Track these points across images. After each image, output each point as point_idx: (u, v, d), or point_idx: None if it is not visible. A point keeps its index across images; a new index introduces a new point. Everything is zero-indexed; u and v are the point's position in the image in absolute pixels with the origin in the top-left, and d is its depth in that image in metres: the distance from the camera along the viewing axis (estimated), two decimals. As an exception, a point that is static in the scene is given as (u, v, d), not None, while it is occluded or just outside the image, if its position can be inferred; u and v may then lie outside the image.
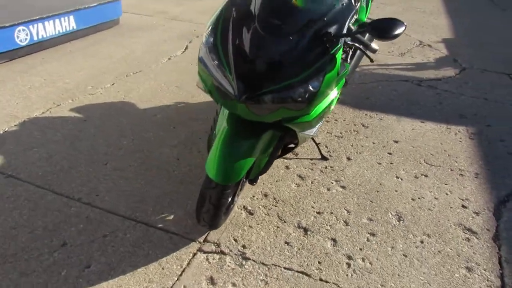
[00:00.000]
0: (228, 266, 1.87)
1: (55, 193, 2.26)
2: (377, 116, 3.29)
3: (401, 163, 2.70)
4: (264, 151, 1.81)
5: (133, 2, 6.31)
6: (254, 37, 1.56)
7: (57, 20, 4.17)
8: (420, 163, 2.72)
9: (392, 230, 2.13)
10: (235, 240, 2.01)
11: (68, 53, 4.20)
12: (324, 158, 2.67)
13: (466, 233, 2.14)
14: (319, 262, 1.91)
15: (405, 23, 1.59)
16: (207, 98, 3.31)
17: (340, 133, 2.99)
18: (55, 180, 2.36)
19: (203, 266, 1.86)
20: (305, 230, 2.10)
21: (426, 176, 2.59)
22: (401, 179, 2.54)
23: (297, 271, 1.86)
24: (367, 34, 2.53)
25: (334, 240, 2.05)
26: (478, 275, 1.90)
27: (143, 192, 2.29)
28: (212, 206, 1.76)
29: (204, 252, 1.94)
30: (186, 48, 4.56)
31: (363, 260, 1.94)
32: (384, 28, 1.55)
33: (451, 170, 2.66)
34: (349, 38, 1.71)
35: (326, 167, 2.61)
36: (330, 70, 1.59)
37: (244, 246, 1.98)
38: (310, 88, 1.55)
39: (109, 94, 3.37)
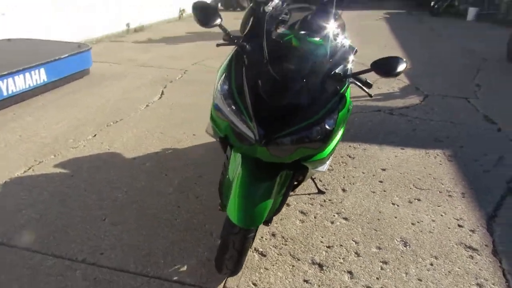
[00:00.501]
0: (253, 311, 1.85)
1: (55, 257, 2.14)
2: (361, 146, 3.42)
3: (393, 190, 2.81)
4: (279, 191, 1.84)
5: (99, 51, 6.28)
6: (270, 82, 1.63)
7: (27, 74, 4.07)
8: (410, 188, 2.84)
9: (402, 256, 2.19)
10: (255, 285, 1.99)
11: (41, 106, 4.09)
12: (320, 192, 2.73)
13: (468, 251, 2.24)
14: (341, 297, 1.93)
15: (405, 61, 1.72)
16: (195, 142, 3.34)
17: (330, 166, 3.08)
18: (52, 242, 2.24)
19: (228, 315, 1.82)
20: (320, 266, 2.11)
21: (419, 200, 2.70)
22: (397, 205, 2.64)
23: (322, 309, 1.86)
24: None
25: (350, 272, 2.07)
26: (467, 229, 1.99)
27: (150, 244, 2.23)
28: (236, 252, 1.75)
29: (225, 300, 1.90)
30: (162, 93, 4.58)
31: (382, 289, 1.98)
32: (389, 67, 1.67)
33: (439, 192, 2.80)
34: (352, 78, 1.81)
35: (325, 201, 2.66)
36: (342, 108, 1.68)
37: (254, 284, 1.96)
38: (327, 127, 1.62)
39: (93, 146, 3.29)
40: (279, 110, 1.60)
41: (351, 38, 2.33)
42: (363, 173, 3.02)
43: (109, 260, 2.12)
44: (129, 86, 4.80)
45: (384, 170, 3.07)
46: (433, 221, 2.49)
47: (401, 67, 1.68)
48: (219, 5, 12.69)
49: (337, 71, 1.72)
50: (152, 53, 6.45)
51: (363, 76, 1.79)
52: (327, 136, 1.64)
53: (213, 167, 3.01)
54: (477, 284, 2.02)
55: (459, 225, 2.46)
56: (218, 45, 1.92)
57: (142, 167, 3.01)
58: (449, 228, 2.43)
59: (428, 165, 3.16)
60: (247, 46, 1.76)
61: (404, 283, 2.02)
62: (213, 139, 3.40)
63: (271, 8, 8.19)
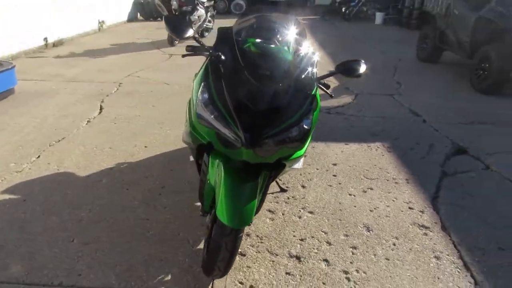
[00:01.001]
0: (246, 309, 1.92)
1: (27, 285, 2.02)
2: (309, 145, 3.63)
3: (347, 182, 3.05)
4: (260, 191, 1.94)
5: (19, 68, 5.83)
6: (249, 87, 1.72)
7: None
8: (361, 179, 3.10)
9: (368, 240, 2.41)
10: (241, 283, 2.06)
11: (-32, 131, 3.75)
12: (283, 190, 2.88)
13: (422, 229, 2.52)
14: (323, 283, 2.07)
15: (364, 62, 1.92)
16: (148, 154, 3.31)
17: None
18: (21, 271, 2.10)
19: (223, 316, 1.88)
20: (298, 258, 2.24)
21: (371, 189, 2.96)
22: (354, 196, 2.87)
23: (309, 296, 1.99)
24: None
25: (326, 260, 2.23)
26: (446, 260, 2.27)
27: (128, 260, 2.20)
28: (228, 253, 1.81)
29: (217, 302, 1.95)
30: (101, 108, 4.43)
31: (357, 271, 2.16)
32: (353, 69, 1.85)
33: (387, 180, 3.09)
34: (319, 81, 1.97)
35: (288, 198, 2.81)
36: (315, 108, 1.83)
37: (252, 287, 2.04)
38: (305, 126, 1.76)
39: (40, 168, 3.11)
40: (260, 113, 1.70)
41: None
42: (317, 169, 3.22)
43: (89, 281, 2.05)
44: (63, 102, 4.57)
45: (335, 164, 3.30)
46: (388, 206, 2.76)
47: (363, 68, 1.88)
48: (139, 15, 12.44)
49: (306, 75, 1.86)
50: (79, 68, 6.17)
51: (323, 80, 1.96)
52: (305, 136, 1.77)
53: (174, 177, 3.02)
54: (436, 257, 2.29)
55: (409, 208, 2.75)
56: (184, 55, 1.96)
57: (100, 184, 2.92)
58: (402, 211, 2.71)
59: (372, 157, 3.46)
60: (221, 55, 1.83)
61: (375, 263, 2.22)
62: (165, 150, 3.42)
63: (196, 17, 8.35)
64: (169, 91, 5.16)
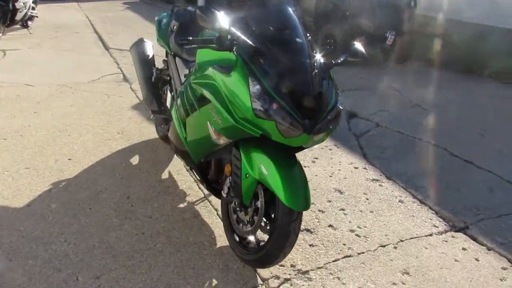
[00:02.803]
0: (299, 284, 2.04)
1: None
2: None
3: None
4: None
5: None
6: (298, 75, 1.79)
7: None
8: (304, 152, 3.43)
9: (347, 201, 2.77)
10: (282, 266, 2.15)
11: None
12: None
13: (376, 182, 3.03)
14: (344, 244, 2.34)
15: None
16: (79, 167, 2.94)
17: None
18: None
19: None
20: (308, 230, 2.45)
21: (317, 158, 3.34)
22: (309, 167, 3.19)
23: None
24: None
25: (331, 226, 2.51)
26: (408, 201, 2.82)
27: (159, 278, 2.01)
28: (295, 236, 1.89)
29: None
30: None
31: (359, 227, 2.50)
32: (357, 51, 2.10)
33: (322, 149, 3.51)
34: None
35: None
36: (337, 89, 2.02)
37: (292, 266, 2.16)
38: (340, 107, 1.94)
39: None
40: (315, 100, 1.80)
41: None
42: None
43: (136, 312, 1.82)
44: None
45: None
46: (339, 170, 3.18)
47: (361, 47, 2.13)
48: None
49: (323, 60, 2.01)
50: None
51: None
52: (340, 116, 1.96)
53: (130, 184, 2.78)
54: (400, 201, 2.82)
55: (355, 167, 3.23)
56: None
57: (52, 209, 2.47)
58: (351, 171, 3.17)
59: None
60: (260, 46, 1.82)
61: (366, 217, 2.61)
62: (95, 159, 3.04)
63: (22, 4, 7.36)
64: (40, 93, 4.43)
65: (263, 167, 1.87)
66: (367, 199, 2.81)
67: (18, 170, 2.86)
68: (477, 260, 2.29)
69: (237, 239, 2.19)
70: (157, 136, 3.48)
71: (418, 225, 2.56)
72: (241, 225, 2.10)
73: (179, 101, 2.37)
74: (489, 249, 2.38)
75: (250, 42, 1.82)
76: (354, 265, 2.19)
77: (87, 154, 3.15)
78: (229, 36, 1.90)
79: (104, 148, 3.26)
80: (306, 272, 2.12)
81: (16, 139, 3.30)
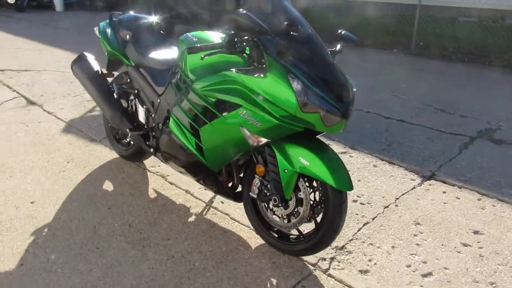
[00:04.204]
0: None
1: None
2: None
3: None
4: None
5: None
6: (325, 66, 1.89)
7: None
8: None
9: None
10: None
11: None
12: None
13: (346, 154, 3.31)
14: (356, 214, 2.56)
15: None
16: (50, 207, 2.64)
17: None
18: None
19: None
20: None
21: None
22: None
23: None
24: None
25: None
26: (382, 165, 3.16)
27: (221, 294, 1.96)
28: (345, 215, 2.03)
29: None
30: None
31: (359, 196, 2.75)
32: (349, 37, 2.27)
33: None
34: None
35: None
36: None
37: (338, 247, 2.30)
38: (354, 90, 2.11)
39: None
40: (343, 87, 1.92)
41: None
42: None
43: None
44: None
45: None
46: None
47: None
48: None
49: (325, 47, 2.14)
50: None
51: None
52: (355, 98, 2.13)
53: (123, 213, 2.59)
54: (374, 166, 3.14)
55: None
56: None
57: (55, 261, 2.16)
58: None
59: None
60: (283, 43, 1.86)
61: (360, 187, 2.86)
62: (62, 194, 2.72)
63: None
64: None
65: (303, 159, 1.95)
66: (349, 170, 3.06)
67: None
68: (458, 198, 2.73)
69: (275, 234, 2.24)
70: (117, 156, 3.23)
71: (400, 182, 2.92)
72: (283, 220, 2.15)
73: (179, 111, 2.26)
74: (460, 187, 2.86)
75: (277, 41, 1.85)
76: (376, 229, 2.43)
77: (49, 192, 2.77)
78: (236, 39, 1.91)
79: (63, 182, 2.90)
80: (343, 247, 2.28)
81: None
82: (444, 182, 2.92)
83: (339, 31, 2.31)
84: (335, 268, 2.13)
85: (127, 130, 2.68)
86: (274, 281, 2.05)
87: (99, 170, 3.08)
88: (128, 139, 3.04)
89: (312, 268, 2.14)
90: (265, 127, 1.90)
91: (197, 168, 2.35)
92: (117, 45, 2.82)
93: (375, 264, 2.16)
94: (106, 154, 3.31)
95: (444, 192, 2.80)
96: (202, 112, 2.14)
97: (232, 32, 1.94)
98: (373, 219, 2.52)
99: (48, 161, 3.20)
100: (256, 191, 2.17)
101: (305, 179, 2.06)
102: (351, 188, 1.95)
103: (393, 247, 2.28)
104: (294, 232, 2.21)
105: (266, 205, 2.22)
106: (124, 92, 2.83)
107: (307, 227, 2.19)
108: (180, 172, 2.51)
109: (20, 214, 2.55)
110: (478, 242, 2.32)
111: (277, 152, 2.02)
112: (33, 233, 2.38)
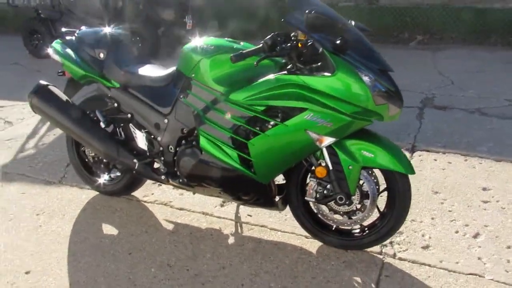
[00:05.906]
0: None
1: None
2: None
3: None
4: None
5: None
6: (378, 57, 1.89)
7: None
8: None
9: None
10: (374, 235, 2.29)
11: None
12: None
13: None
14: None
15: None
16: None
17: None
18: None
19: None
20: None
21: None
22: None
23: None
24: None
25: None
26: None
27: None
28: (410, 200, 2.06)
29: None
30: None
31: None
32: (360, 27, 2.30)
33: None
34: None
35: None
36: None
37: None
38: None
39: None
40: (387, 74, 1.95)
41: None
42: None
43: None
44: None
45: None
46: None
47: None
48: None
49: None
50: None
51: None
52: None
53: (149, 253, 2.28)
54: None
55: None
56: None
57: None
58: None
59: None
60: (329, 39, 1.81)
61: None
62: (60, 254, 2.27)
63: None
64: None
65: (365, 152, 1.96)
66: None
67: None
68: (450, 163, 3.01)
69: (336, 233, 2.19)
70: (94, 194, 2.78)
71: (395, 159, 3.09)
72: (345, 217, 2.11)
73: (211, 128, 2.05)
74: (444, 153, 3.15)
75: (333, 38, 1.80)
76: (407, 206, 2.53)
77: (40, 255, 2.26)
78: (269, 42, 1.83)
79: (50, 238, 2.39)
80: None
81: None
82: (428, 151, 3.18)
83: (349, 21, 2.34)
84: (400, 251, 2.18)
85: (133, 161, 2.32)
86: (358, 279, 2.00)
87: (85, 215, 2.61)
88: (115, 174, 2.64)
89: (380, 257, 2.15)
90: (336, 127, 1.85)
91: (237, 185, 2.16)
92: (90, 67, 2.42)
93: (430, 238, 2.26)
94: (78, 195, 2.82)
95: (435, 160, 3.06)
96: (247, 123, 1.98)
97: (274, 34, 1.86)
98: (397, 197, 2.62)
99: (11, 219, 2.59)
100: (314, 194, 2.08)
101: (369, 171, 2.05)
102: (414, 171, 2.00)
103: (432, 218, 2.42)
104: (355, 226, 2.18)
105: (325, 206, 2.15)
106: (112, 120, 2.43)
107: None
108: (211, 195, 2.28)
109: (22, 286, 2.03)
110: (493, 197, 2.59)
111: (338, 151, 1.97)
112: (55, 307, 1.92)
